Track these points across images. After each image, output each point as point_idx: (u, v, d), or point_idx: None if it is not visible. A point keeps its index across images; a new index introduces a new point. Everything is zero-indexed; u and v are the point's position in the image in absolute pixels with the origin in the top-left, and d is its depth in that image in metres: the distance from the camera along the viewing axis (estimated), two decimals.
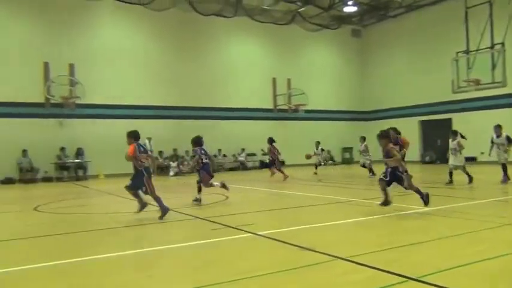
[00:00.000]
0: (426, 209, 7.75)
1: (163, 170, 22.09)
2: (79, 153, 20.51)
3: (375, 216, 7.45)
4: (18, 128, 19.37)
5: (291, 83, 27.28)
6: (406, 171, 7.96)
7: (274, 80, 26.97)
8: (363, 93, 30.28)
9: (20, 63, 19.76)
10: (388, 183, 7.86)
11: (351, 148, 28.80)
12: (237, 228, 6.56)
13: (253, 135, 24.83)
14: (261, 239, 5.86)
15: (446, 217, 7.17)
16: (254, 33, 25.99)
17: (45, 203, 10.91)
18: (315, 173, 18.48)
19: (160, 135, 21.93)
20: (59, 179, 19.88)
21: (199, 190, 9.97)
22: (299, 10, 24.71)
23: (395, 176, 7.78)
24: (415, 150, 26.04)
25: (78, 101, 20.59)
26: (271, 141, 16.81)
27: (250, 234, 6.16)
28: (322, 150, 20.01)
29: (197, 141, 10.23)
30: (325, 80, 29.04)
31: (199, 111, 24.09)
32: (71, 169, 20.35)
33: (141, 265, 5.01)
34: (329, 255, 4.78)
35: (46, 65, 20.27)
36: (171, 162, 22.14)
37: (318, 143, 19.98)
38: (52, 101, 20.33)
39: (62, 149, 20.06)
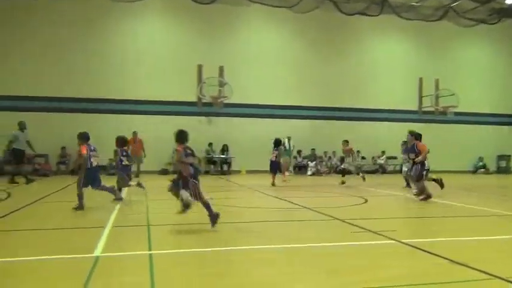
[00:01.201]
0: None
1: (301, 169, 22.50)
2: (224, 149, 21.95)
3: None
4: (174, 124, 21.26)
5: (440, 83, 25.41)
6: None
7: (420, 80, 25.44)
8: None
9: (178, 66, 21.88)
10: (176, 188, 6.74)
11: (509, 156, 25.79)
12: (378, 233, 6.35)
13: (394, 137, 23.64)
14: (405, 247, 5.58)
15: None
16: (400, 31, 24.84)
17: None
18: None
19: (299, 134, 22.29)
20: (206, 172, 21.51)
21: (120, 189, 10.14)
22: (452, 5, 22.87)
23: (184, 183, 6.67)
24: None
25: (226, 101, 22.04)
26: (277, 143, 15.08)
27: (392, 240, 5.92)
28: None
29: (122, 142, 10.16)
30: (480, 80, 26.40)
31: (339, 111, 23.89)
32: (217, 163, 21.90)
33: (276, 261, 5.06)
34: (486, 273, 4.34)
35: (200, 68, 22.15)
36: (309, 162, 22.41)
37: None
38: (203, 101, 22.11)
39: (210, 144, 21.70)
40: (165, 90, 21.53)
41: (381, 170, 24.05)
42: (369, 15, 22.63)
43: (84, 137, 8.95)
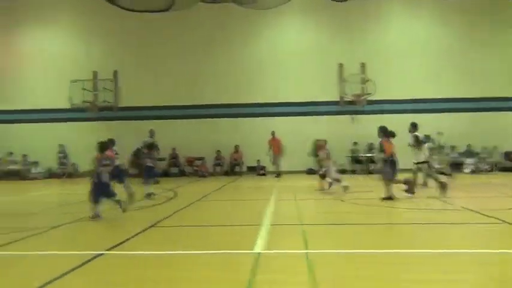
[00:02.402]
0: None
1: (458, 166, 20.65)
2: (370, 147, 21.39)
3: None
4: (319, 124, 21.62)
5: None
6: None
7: None
8: None
9: (318, 66, 22.03)
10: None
11: None
12: None
13: None
14: None
15: None
16: None
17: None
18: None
19: (452, 129, 20.56)
20: (353, 172, 21.21)
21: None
22: None
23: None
24: None
25: (369, 98, 21.48)
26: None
27: None
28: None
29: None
30: None
31: (497, 101, 21.43)
32: (364, 162, 21.46)
33: (437, 266, 4.77)
34: None
35: (340, 66, 21.98)
36: (466, 159, 20.58)
37: None
38: (345, 99, 21.88)
39: (355, 143, 21.43)
40: (307, 90, 21.82)
41: None
42: None
43: (103, 147, 8.70)
